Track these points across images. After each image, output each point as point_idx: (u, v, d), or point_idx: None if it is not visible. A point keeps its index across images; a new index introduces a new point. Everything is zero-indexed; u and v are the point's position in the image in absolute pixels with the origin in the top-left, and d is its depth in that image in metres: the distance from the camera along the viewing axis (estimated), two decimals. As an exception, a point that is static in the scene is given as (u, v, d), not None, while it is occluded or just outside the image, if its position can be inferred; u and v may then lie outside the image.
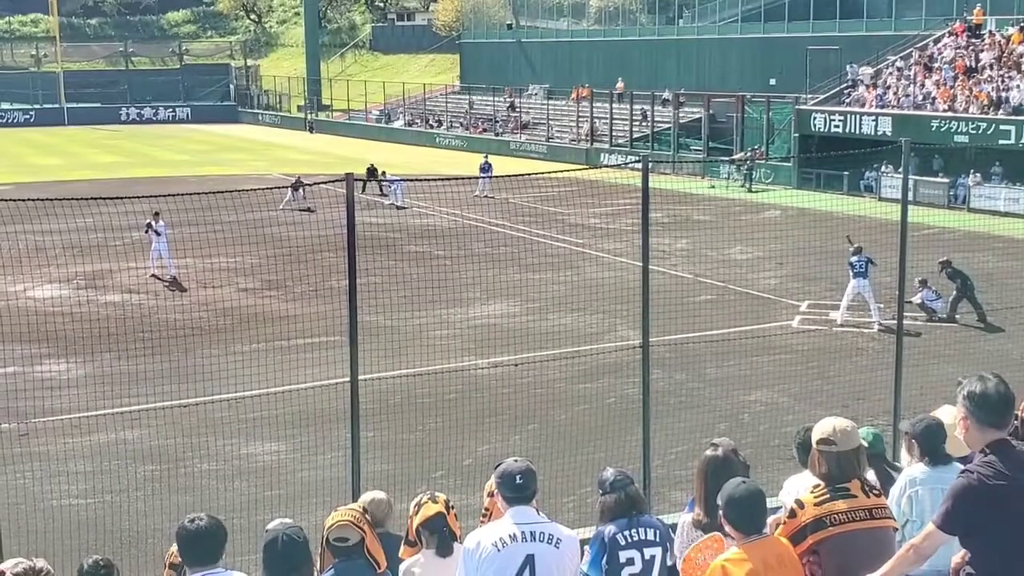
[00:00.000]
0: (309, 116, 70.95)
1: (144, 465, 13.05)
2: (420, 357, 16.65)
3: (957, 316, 19.77)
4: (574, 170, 28.00)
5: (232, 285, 23.34)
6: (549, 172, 15.96)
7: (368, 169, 37.14)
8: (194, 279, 23.63)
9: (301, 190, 28.53)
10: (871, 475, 5.82)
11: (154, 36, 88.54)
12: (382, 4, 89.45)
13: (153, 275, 23.92)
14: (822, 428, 4.85)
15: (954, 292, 19.84)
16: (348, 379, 7.88)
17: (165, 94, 77.53)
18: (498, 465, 5.12)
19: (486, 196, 35.61)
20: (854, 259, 19.49)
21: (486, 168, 37.52)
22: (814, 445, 4.86)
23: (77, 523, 10.81)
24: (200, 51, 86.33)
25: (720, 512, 4.70)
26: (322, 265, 24.30)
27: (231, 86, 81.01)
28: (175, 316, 20.52)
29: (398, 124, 65.29)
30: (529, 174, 11.61)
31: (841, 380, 16.22)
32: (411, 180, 34.13)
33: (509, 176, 28.68)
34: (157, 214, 23.65)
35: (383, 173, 37.49)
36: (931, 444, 5.46)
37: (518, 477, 4.96)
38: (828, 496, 4.69)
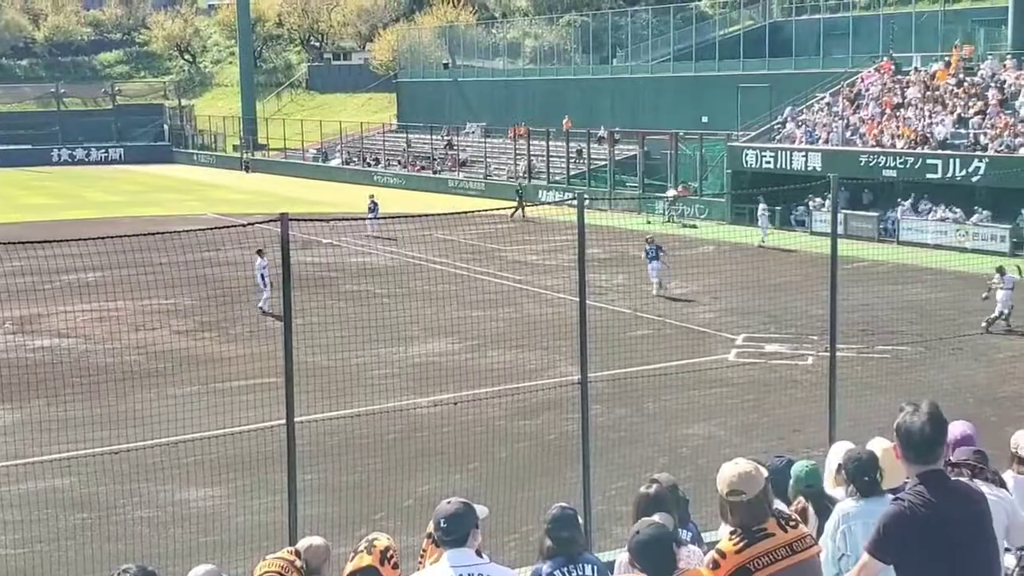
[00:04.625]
0: (245, 155, 70.47)
1: (76, 513, 12.73)
2: (359, 397, 16.49)
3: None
4: (502, 209, 28.13)
5: (167, 327, 22.98)
6: (480, 210, 16.01)
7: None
8: (128, 322, 23.22)
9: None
10: (810, 510, 5.87)
11: (86, 77, 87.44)
12: (318, 44, 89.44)
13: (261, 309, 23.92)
14: (727, 479, 4.65)
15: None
16: (284, 421, 7.78)
17: (97, 135, 76.46)
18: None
19: (375, 236, 35.56)
20: (648, 247, 25.89)
21: (373, 208, 36.69)
22: (723, 496, 4.67)
23: (7, 573, 10.49)
24: (133, 91, 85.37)
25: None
26: (259, 306, 24.06)
27: (165, 126, 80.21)
28: (108, 360, 20.13)
29: (335, 163, 65.11)
30: (462, 212, 11.64)
31: (777, 413, 16.40)
32: (333, 220, 34.02)
33: (438, 215, 28.65)
34: (260, 252, 23.78)
35: (371, 198, 37.23)
36: (860, 477, 5.50)
37: (442, 522, 4.91)
38: (747, 541, 4.61)
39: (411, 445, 14.54)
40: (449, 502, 5.00)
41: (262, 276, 24.26)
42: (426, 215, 21.18)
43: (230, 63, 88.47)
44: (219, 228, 10.15)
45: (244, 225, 9.15)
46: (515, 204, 37.93)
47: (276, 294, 23.66)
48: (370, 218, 35.13)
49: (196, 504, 13.07)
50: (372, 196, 38.48)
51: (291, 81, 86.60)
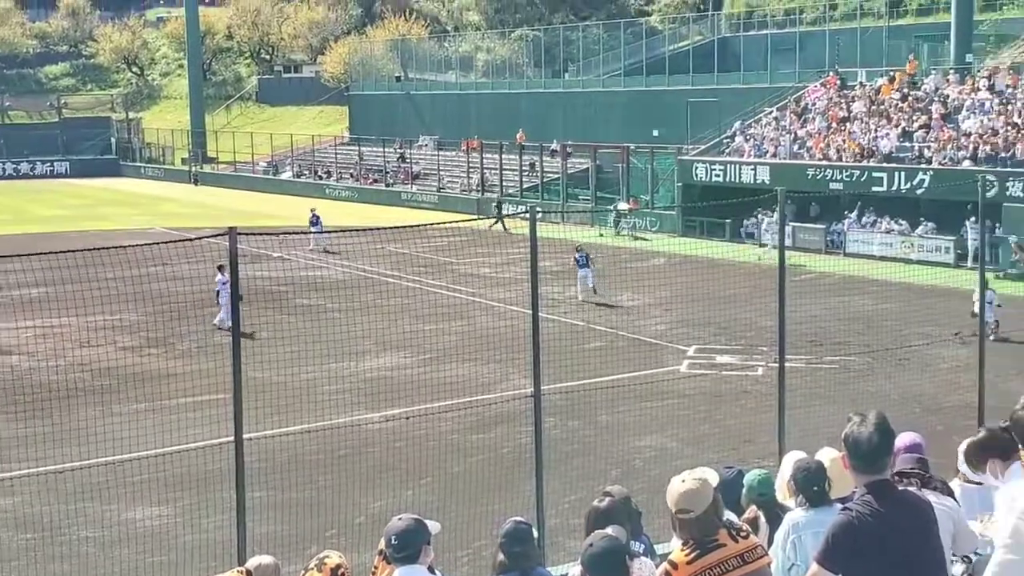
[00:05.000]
0: (194, 168, 69.80)
1: (20, 534, 12.46)
2: (310, 413, 16.35)
3: None
4: (457, 222, 28.14)
5: (112, 344, 22.63)
6: (433, 223, 15.98)
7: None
8: (73, 338, 22.82)
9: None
10: (762, 519, 5.90)
11: (32, 90, 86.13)
12: (268, 57, 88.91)
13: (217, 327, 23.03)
14: (674, 498, 4.69)
15: None
16: (233, 438, 7.67)
17: (43, 148, 75.30)
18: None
19: (325, 251, 35.34)
20: (577, 255, 26.79)
21: (315, 221, 36.20)
22: (672, 512, 4.72)
23: (-55, 599, 10.24)
24: (80, 104, 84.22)
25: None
26: (207, 321, 23.79)
27: (112, 139, 79.20)
28: (52, 377, 19.75)
29: (286, 175, 64.71)
30: (415, 225, 11.60)
31: (729, 423, 16.50)
32: (283, 234, 33.83)
33: (390, 228, 28.57)
34: (221, 267, 22.75)
35: (312, 211, 36.99)
36: (808, 487, 5.54)
37: (393, 538, 4.88)
38: (699, 552, 4.66)
39: (363, 461, 14.42)
40: (400, 518, 4.96)
41: (217, 293, 23.85)
42: (377, 229, 21.14)
43: (179, 76, 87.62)
44: (167, 243, 10.01)
45: (192, 240, 9.04)
46: (495, 218, 37.69)
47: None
48: (314, 232, 34.89)
49: (143, 523, 12.86)
50: (314, 210, 37.81)
51: (241, 94, 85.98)
